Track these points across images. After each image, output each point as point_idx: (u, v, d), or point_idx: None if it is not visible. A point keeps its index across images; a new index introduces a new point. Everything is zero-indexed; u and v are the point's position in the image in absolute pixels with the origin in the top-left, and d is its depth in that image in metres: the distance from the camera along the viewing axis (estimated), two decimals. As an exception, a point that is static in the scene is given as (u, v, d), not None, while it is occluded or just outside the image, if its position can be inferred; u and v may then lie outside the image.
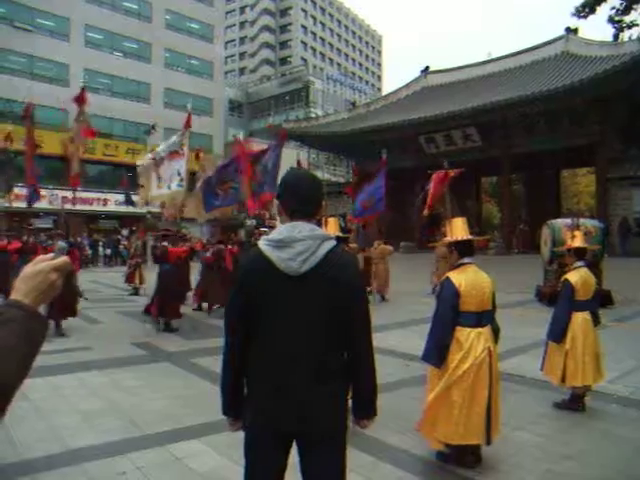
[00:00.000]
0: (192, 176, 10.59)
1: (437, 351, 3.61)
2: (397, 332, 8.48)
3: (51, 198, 25.22)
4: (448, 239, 3.80)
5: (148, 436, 4.17)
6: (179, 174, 9.62)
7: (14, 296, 1.05)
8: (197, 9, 39.96)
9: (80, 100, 8.92)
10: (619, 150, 22.76)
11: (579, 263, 4.99)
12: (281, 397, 1.89)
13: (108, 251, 28.14)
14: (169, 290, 8.86)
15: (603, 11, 14.55)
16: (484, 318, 3.62)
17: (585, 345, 4.73)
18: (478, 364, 3.49)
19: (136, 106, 35.47)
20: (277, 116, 53.75)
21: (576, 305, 4.80)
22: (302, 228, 1.90)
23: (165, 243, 9.32)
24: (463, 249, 3.73)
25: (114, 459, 3.72)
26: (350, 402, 2.05)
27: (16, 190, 11.16)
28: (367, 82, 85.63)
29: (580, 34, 26.99)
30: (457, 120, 25.46)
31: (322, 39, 78.09)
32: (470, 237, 3.79)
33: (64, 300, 8.20)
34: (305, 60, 70.43)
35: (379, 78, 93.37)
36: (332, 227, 5.94)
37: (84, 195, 27.64)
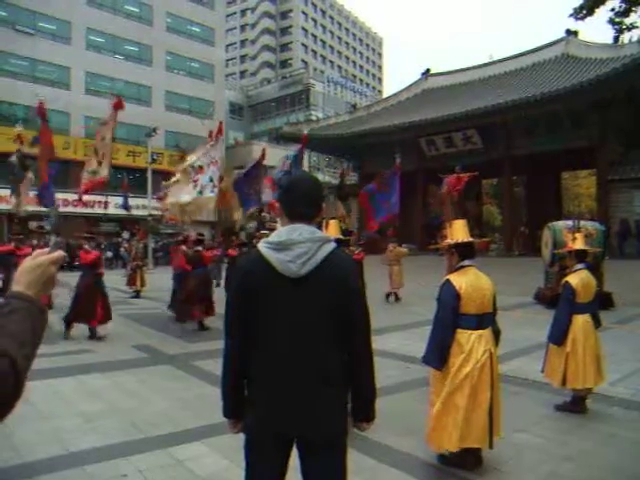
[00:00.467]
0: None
1: (438, 353, 3.61)
2: (397, 334, 8.48)
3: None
4: (449, 241, 3.80)
5: (149, 439, 4.18)
6: (211, 180, 9.99)
7: (16, 288, 1.09)
8: (198, 12, 40.05)
9: (117, 107, 9.19)
10: (620, 152, 22.74)
11: (580, 265, 4.99)
12: (281, 400, 1.89)
13: (109, 254, 28.16)
14: (203, 291, 9.33)
15: (602, 13, 14.57)
16: (485, 320, 3.62)
17: (586, 347, 4.72)
18: (479, 367, 3.49)
19: (137, 109, 35.50)
20: (278, 119, 53.84)
21: (577, 307, 4.80)
22: (302, 230, 1.90)
23: (199, 247, 9.70)
24: (464, 251, 3.73)
25: (115, 462, 3.72)
26: (349, 405, 2.05)
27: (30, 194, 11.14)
28: (368, 85, 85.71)
29: (580, 36, 27.03)
30: (458, 122, 25.46)
31: (323, 42, 78.20)
32: (471, 239, 3.79)
33: (104, 304, 8.50)
34: (306, 63, 70.53)
35: (380, 81, 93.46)
36: (333, 229, 5.94)
37: (85, 198, 27.65)
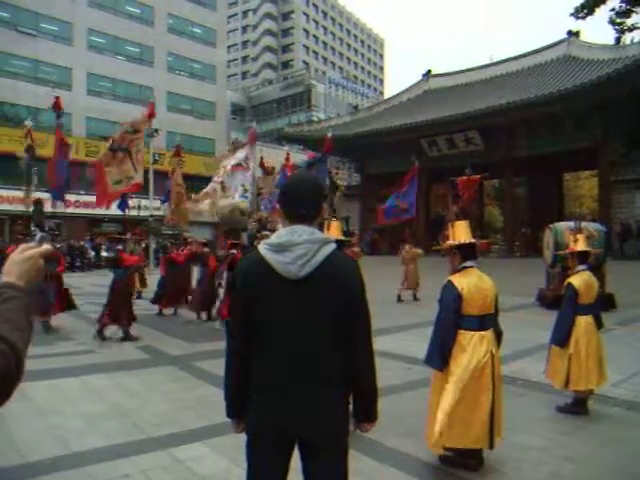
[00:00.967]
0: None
1: (440, 354, 3.61)
2: (399, 335, 8.48)
3: (54, 202, 25.26)
4: (451, 242, 3.80)
5: (152, 439, 4.18)
6: (243, 185, 10.14)
7: (8, 279, 1.17)
8: (199, 13, 40.11)
9: (151, 116, 9.71)
10: (621, 153, 22.73)
11: (582, 267, 4.98)
12: (282, 400, 1.89)
13: (111, 254, 28.17)
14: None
15: (604, 14, 14.56)
16: (487, 321, 3.62)
17: (588, 349, 4.71)
18: (481, 368, 3.49)
19: (139, 110, 35.35)
20: (279, 120, 53.89)
21: (579, 309, 4.80)
22: (302, 232, 1.90)
23: (234, 251, 9.72)
24: (466, 252, 3.73)
25: (117, 462, 3.73)
26: (351, 405, 2.06)
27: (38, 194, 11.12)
28: (369, 86, 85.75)
29: (582, 37, 27.02)
30: (459, 123, 25.46)
31: (324, 43, 78.26)
32: (473, 240, 3.79)
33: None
34: (307, 64, 70.57)
35: (381, 81, 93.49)
36: (334, 230, 5.94)
37: (86, 199, 27.69)
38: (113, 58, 35.26)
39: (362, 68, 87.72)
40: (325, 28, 78.70)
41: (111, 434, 4.27)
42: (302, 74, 60.37)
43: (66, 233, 26.84)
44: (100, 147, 33.12)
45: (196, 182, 21.13)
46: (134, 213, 21.85)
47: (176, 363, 6.88)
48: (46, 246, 1.25)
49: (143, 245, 16.02)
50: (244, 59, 75.06)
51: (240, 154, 11.09)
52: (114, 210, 32.70)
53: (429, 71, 35.29)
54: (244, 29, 75.44)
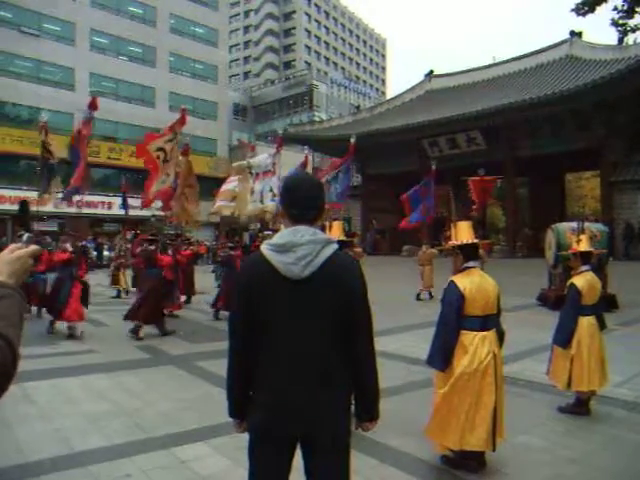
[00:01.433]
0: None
1: (442, 355, 3.61)
2: (401, 336, 8.47)
3: (56, 201, 25.31)
4: (453, 242, 3.80)
5: (153, 439, 4.18)
6: (271, 190, 10.53)
7: None
8: (201, 13, 40.14)
9: (183, 123, 9.70)
10: (624, 154, 22.69)
11: (585, 267, 4.97)
12: (285, 400, 1.89)
13: (112, 254, 28.23)
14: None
15: (607, 13, 14.48)
16: (489, 322, 3.61)
17: (591, 350, 4.70)
18: (483, 368, 3.48)
19: (141, 110, 35.63)
20: (281, 120, 53.90)
21: (582, 309, 4.78)
22: (304, 232, 1.90)
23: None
24: (468, 253, 3.73)
25: (119, 462, 3.73)
26: (353, 405, 2.06)
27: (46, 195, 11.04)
28: (371, 86, 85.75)
29: (585, 37, 26.98)
30: (461, 124, 25.43)
31: (326, 43, 78.29)
32: (475, 241, 3.79)
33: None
34: (309, 64, 70.59)
35: (383, 82, 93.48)
36: (336, 231, 5.94)
37: (88, 199, 27.75)
38: (115, 58, 35.31)
39: (364, 68, 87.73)
40: (327, 28, 78.73)
41: (112, 434, 4.27)
42: (304, 74, 60.37)
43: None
44: (101, 147, 33.30)
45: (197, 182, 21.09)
46: (135, 213, 21.82)
47: (177, 363, 6.88)
48: (33, 246, 1.29)
49: (125, 244, 15.95)
50: (246, 59, 75.10)
51: (268, 160, 11.43)
52: (116, 210, 32.83)
53: (431, 71, 35.27)
54: (246, 29, 75.48)
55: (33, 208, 10.71)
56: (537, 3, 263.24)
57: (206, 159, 37.15)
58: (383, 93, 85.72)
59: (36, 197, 10.67)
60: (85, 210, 28.93)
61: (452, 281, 3.65)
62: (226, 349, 2.08)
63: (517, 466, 3.70)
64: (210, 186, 19.62)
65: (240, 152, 40.43)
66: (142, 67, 36.55)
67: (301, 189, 2.00)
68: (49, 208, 11.55)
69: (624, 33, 15.36)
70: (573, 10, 14.99)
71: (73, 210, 13.92)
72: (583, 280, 4.83)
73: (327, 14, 78.70)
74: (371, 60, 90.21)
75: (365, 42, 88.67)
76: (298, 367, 1.89)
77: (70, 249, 8.97)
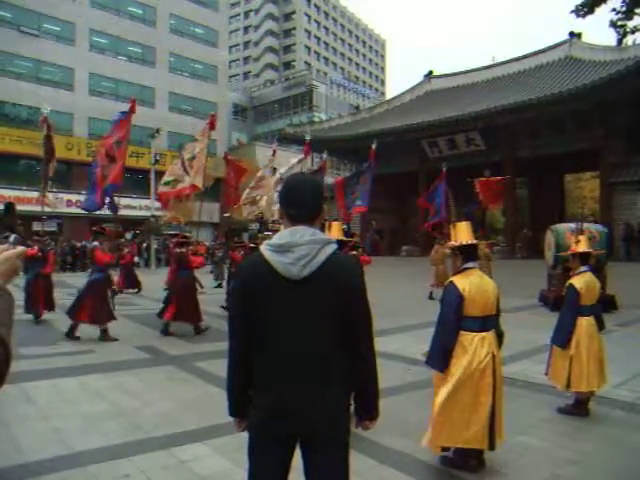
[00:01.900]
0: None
1: (441, 355, 3.61)
2: (399, 336, 8.48)
3: (55, 201, 25.30)
4: (452, 243, 3.80)
5: (152, 439, 4.18)
6: None
7: None
8: (201, 14, 40.15)
9: (212, 127, 9.89)
10: (623, 154, 22.72)
11: (583, 268, 4.98)
12: (284, 400, 1.90)
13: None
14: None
15: (606, 14, 14.49)
16: (488, 323, 3.62)
17: (590, 350, 4.71)
18: (482, 369, 3.48)
19: (140, 110, 35.42)
20: (281, 120, 53.92)
21: (581, 310, 4.79)
22: (303, 233, 1.91)
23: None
24: (467, 253, 3.73)
25: (118, 462, 3.72)
26: (352, 404, 2.07)
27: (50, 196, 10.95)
28: (371, 86, 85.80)
29: (584, 38, 27.03)
30: (460, 124, 25.47)
31: (326, 43, 78.31)
32: (474, 241, 3.79)
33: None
34: (309, 64, 70.65)
35: (383, 82, 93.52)
36: (335, 231, 5.94)
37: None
38: (115, 58, 35.32)
39: (363, 69, 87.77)
40: (327, 29, 78.76)
41: (111, 434, 4.27)
42: (304, 75, 60.41)
43: (70, 233, 26.90)
44: (100, 147, 33.30)
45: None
46: (134, 213, 21.80)
47: (176, 363, 6.88)
48: (20, 247, 1.32)
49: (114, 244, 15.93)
50: (246, 60, 75.11)
51: (296, 165, 11.92)
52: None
53: (431, 72, 35.31)
54: (246, 30, 75.50)
55: (37, 208, 10.66)
56: (537, 3, 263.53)
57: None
58: (382, 93, 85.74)
59: (38, 196, 10.61)
60: (83, 210, 29.02)
61: (451, 282, 3.65)
62: (225, 349, 2.09)
63: (516, 466, 3.71)
64: (210, 186, 19.59)
65: (239, 152, 40.47)
66: (142, 67, 36.56)
67: (300, 189, 2.00)
68: (48, 208, 11.49)
69: (623, 34, 15.37)
70: (573, 12, 15.02)
71: (71, 210, 13.89)
72: (582, 281, 4.84)
73: (327, 15, 78.72)
74: (370, 60, 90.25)
75: (365, 42, 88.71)
76: (298, 367, 1.90)
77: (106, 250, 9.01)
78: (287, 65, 73.24)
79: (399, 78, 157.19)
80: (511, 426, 3.94)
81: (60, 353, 7.34)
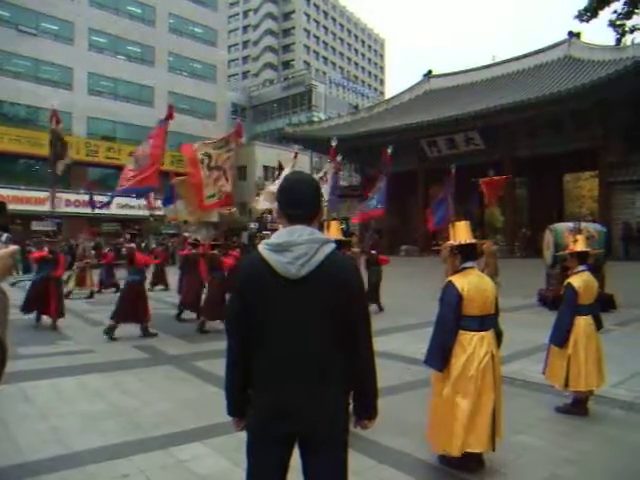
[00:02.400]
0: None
1: (440, 355, 3.61)
2: (398, 336, 8.48)
3: (56, 201, 25.22)
4: (451, 243, 3.80)
5: (151, 439, 4.18)
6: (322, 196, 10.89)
7: None
8: (200, 13, 40.11)
9: (239, 135, 9.86)
10: (622, 154, 22.74)
11: (581, 267, 4.98)
12: (283, 399, 1.90)
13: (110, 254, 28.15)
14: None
15: (606, 15, 14.53)
16: (487, 322, 3.62)
17: (588, 349, 4.71)
18: (481, 369, 3.48)
19: (139, 109, 35.58)
20: (280, 120, 53.88)
21: (579, 309, 4.80)
22: (302, 232, 1.91)
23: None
24: (466, 253, 3.73)
25: (116, 462, 3.72)
26: (351, 403, 2.07)
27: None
28: (370, 86, 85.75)
29: (583, 38, 27.05)
30: (459, 124, 25.49)
31: (325, 43, 78.26)
32: (473, 241, 3.79)
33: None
34: (308, 64, 70.58)
35: (382, 82, 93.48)
36: (333, 231, 5.94)
37: (86, 198, 27.74)
38: (114, 58, 35.26)
39: (362, 68, 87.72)
40: (326, 28, 78.71)
41: (110, 434, 4.27)
42: (303, 74, 60.35)
43: (69, 232, 26.79)
44: (100, 146, 33.25)
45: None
46: (133, 213, 21.77)
47: (175, 362, 6.88)
48: (13, 247, 1.33)
49: (91, 243, 15.88)
50: (245, 59, 75.04)
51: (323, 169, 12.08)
52: (114, 210, 32.80)
53: (430, 71, 35.31)
54: (245, 29, 75.43)
55: (36, 207, 10.63)
56: (538, 3, 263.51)
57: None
58: (382, 93, 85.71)
59: (48, 195, 10.52)
60: (82, 210, 28.99)
61: (450, 281, 3.65)
62: (224, 349, 2.08)
63: (515, 466, 3.71)
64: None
65: (239, 152, 40.44)
66: (141, 67, 36.50)
67: (297, 189, 2.00)
68: (47, 208, 11.50)
69: (622, 34, 15.40)
70: (576, 17, 15.05)
71: (70, 209, 13.86)
72: (580, 280, 4.84)
73: (326, 14, 78.66)
74: (370, 60, 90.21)
75: (364, 42, 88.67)
76: (296, 366, 1.90)
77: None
78: (286, 64, 73.16)
79: (398, 78, 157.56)
80: (510, 425, 3.95)
81: (59, 353, 7.34)
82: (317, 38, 76.61)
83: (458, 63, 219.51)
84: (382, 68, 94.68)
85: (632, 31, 15.35)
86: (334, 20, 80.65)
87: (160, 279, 15.58)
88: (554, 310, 5.58)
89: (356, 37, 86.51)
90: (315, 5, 76.38)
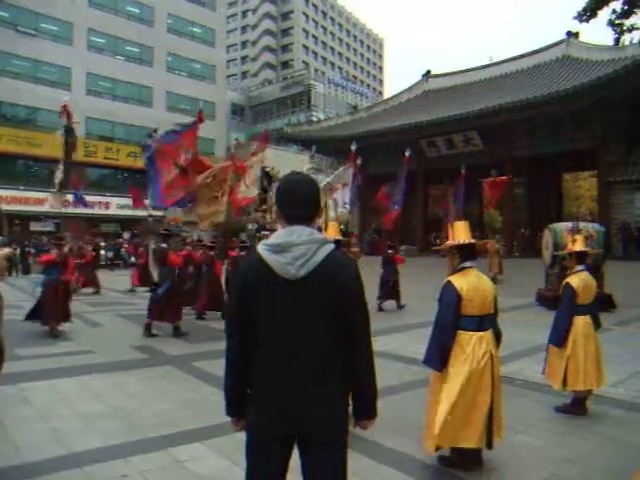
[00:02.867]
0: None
1: (439, 355, 3.61)
2: (398, 336, 8.48)
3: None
4: (450, 243, 3.80)
5: (149, 439, 4.18)
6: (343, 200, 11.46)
7: None
8: (199, 13, 40.14)
9: (266, 141, 9.77)
10: (621, 154, 22.75)
11: (580, 267, 4.99)
12: (282, 400, 1.90)
13: (110, 254, 28.15)
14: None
15: (604, 14, 14.60)
16: (486, 322, 3.62)
17: (586, 349, 4.72)
18: (480, 369, 3.49)
19: (138, 110, 35.59)
20: (279, 120, 53.89)
21: (577, 309, 4.80)
22: (301, 232, 1.91)
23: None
24: (465, 253, 3.73)
25: (116, 462, 3.72)
26: (350, 404, 2.07)
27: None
28: (369, 86, 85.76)
29: (581, 38, 27.05)
30: (458, 124, 25.47)
31: (323, 43, 78.28)
32: (472, 241, 3.79)
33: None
34: (307, 64, 70.57)
35: (380, 82, 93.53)
36: (332, 231, 5.95)
37: (86, 199, 27.72)
38: (113, 58, 35.28)
39: (361, 68, 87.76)
40: (324, 28, 78.73)
41: (109, 434, 4.26)
42: (302, 74, 60.37)
43: (68, 233, 26.72)
44: (98, 147, 33.23)
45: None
46: (132, 213, 21.74)
47: (175, 363, 6.87)
48: (7, 249, 1.38)
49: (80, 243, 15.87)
50: (243, 59, 75.04)
51: (344, 173, 12.08)
52: (113, 210, 32.78)
53: (428, 71, 35.29)
54: (243, 29, 75.43)
55: (35, 208, 10.61)
56: (535, 3, 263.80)
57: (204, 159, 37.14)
58: (380, 93, 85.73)
59: (52, 195, 10.44)
60: (81, 210, 29.00)
61: (449, 281, 3.65)
62: (223, 349, 2.08)
63: (514, 466, 3.71)
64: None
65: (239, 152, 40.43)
66: (139, 67, 36.52)
67: (296, 190, 2.00)
68: (46, 208, 11.48)
69: (620, 33, 15.45)
70: (576, 18, 15.12)
71: (69, 210, 13.83)
72: (578, 280, 4.85)
73: (324, 14, 78.68)
74: (368, 60, 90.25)
75: (362, 42, 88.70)
76: (295, 367, 1.89)
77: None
78: (285, 64, 73.17)
79: (397, 78, 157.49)
80: (509, 425, 3.95)
81: (58, 353, 7.33)
82: (316, 38, 76.64)
83: (457, 64, 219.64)
84: (381, 68, 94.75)
85: (630, 30, 15.41)
86: (333, 20, 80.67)
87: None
88: (553, 310, 5.57)
89: (355, 37, 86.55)
90: (314, 5, 76.38)
